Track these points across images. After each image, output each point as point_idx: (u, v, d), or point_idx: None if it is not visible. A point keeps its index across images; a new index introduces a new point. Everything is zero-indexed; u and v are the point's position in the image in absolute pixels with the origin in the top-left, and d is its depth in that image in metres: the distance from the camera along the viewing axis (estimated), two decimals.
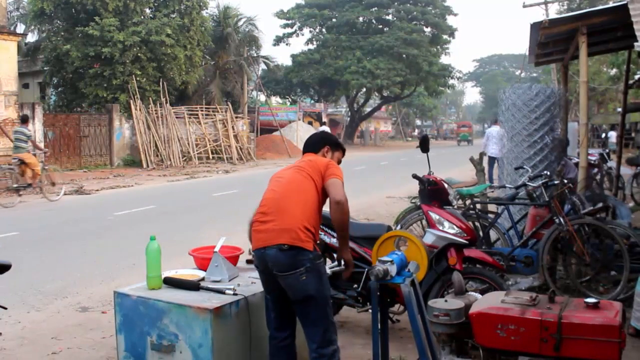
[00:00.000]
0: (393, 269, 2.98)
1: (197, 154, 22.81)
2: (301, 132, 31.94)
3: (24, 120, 12.10)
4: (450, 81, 39.19)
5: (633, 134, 25.36)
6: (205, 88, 28.11)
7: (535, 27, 6.41)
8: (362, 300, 4.24)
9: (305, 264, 2.89)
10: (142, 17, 22.59)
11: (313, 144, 3.41)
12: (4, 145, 17.69)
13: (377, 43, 34.90)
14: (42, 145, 18.71)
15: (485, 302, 3.15)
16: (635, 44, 5.04)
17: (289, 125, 32.36)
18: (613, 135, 23.07)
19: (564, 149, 6.54)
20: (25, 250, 7.19)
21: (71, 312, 5.02)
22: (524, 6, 20.18)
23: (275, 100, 40.95)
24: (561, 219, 4.94)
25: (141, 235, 7.24)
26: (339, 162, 3.39)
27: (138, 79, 21.27)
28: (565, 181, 5.29)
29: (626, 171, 10.75)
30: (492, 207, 7.01)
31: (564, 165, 6.16)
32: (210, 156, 23.21)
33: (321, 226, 3.96)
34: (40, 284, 5.80)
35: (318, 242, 3.11)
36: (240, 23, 31.70)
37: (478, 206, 6.07)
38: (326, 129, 29.90)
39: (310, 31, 38.62)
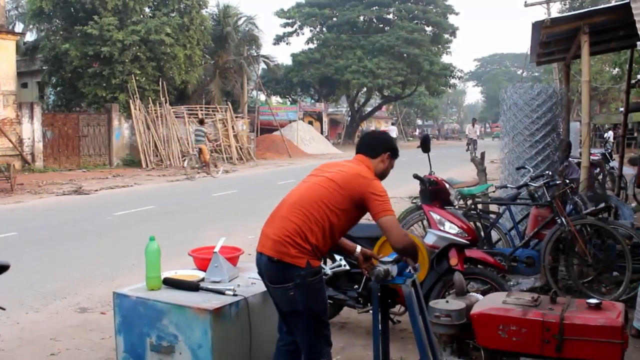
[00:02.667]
0: (394, 270, 2.96)
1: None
2: (301, 132, 31.93)
3: (201, 122, 18.59)
4: (452, 81, 39.09)
5: (636, 134, 25.29)
6: (205, 87, 28.08)
7: (537, 27, 6.38)
8: (362, 301, 4.22)
9: (294, 280, 2.74)
10: (142, 16, 22.54)
11: (373, 147, 3.03)
12: (1, 145, 17.71)
13: (378, 42, 34.85)
14: (41, 145, 18.83)
15: (486, 303, 3.13)
16: (638, 42, 5.03)
17: (289, 125, 32.35)
18: (611, 136, 23.11)
19: (569, 149, 6.51)
20: (24, 251, 7.17)
21: (70, 313, 4.99)
22: (526, 5, 20.15)
23: (275, 99, 40.92)
24: (563, 219, 4.91)
25: (141, 235, 7.21)
26: (392, 167, 3.10)
27: (137, 78, 21.23)
28: (567, 181, 5.27)
29: (628, 171, 10.71)
30: (493, 207, 6.98)
31: (567, 166, 6.13)
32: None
33: None
34: (39, 284, 5.78)
35: (322, 255, 2.92)
36: (240, 22, 31.67)
37: (479, 206, 6.05)
38: (394, 129, 29.72)
39: (311, 30, 38.58)
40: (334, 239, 2.92)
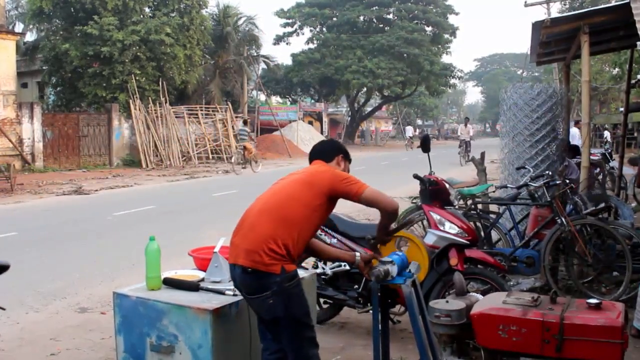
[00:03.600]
0: (394, 270, 2.95)
1: (197, 153, 22.77)
2: (301, 132, 31.91)
3: (245, 122, 20.88)
4: (452, 81, 39.08)
5: (636, 134, 25.28)
6: (205, 87, 28.08)
7: (537, 27, 6.38)
8: (362, 301, 4.23)
9: (271, 288, 2.71)
10: (142, 16, 22.54)
11: (326, 152, 3.12)
12: (1, 145, 17.70)
13: (378, 42, 34.84)
14: (41, 145, 18.84)
15: (486, 303, 3.13)
16: (638, 42, 5.03)
17: (289, 125, 32.32)
18: (608, 136, 23.19)
19: (566, 149, 6.51)
20: (24, 251, 7.17)
21: (70, 313, 5.00)
22: (526, 5, 20.14)
23: (275, 99, 40.90)
24: (563, 219, 4.91)
25: (141, 235, 7.21)
26: (348, 171, 3.16)
27: (137, 78, 21.23)
28: (567, 181, 5.27)
29: (628, 171, 10.71)
30: (493, 207, 6.99)
31: (567, 166, 6.14)
32: (210, 156, 23.18)
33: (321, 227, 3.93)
34: (39, 284, 5.78)
35: (298, 259, 2.91)
36: (240, 22, 31.67)
37: (479, 206, 6.05)
38: (410, 128, 29.48)
39: (311, 30, 38.55)
40: (307, 238, 2.90)
